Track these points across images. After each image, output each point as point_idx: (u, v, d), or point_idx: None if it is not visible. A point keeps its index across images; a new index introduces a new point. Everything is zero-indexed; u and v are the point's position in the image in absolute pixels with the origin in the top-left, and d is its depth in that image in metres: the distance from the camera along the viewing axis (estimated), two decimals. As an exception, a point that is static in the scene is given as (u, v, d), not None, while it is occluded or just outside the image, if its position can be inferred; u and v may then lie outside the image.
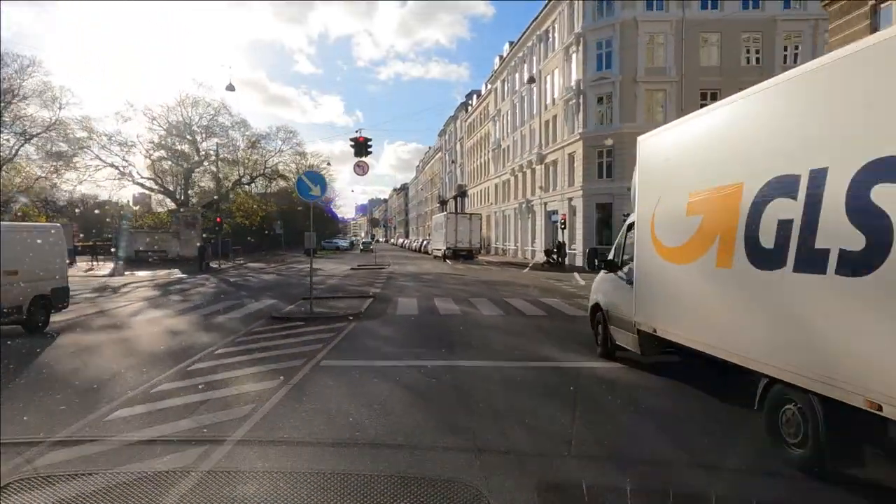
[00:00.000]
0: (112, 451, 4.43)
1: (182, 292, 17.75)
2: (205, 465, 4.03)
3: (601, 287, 8.04)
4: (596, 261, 7.94)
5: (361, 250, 58.79)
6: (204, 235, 37.21)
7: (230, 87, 24.34)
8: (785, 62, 29.09)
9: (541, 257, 33.67)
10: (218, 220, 32.75)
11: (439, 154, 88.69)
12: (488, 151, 54.60)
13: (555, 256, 30.95)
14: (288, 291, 17.55)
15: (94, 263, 33.64)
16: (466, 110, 68.29)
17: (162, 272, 28.89)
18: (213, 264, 33.36)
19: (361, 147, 21.52)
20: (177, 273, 28.19)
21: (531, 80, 27.42)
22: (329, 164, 67.21)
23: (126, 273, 28.69)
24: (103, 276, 26.81)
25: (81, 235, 37.31)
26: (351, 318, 11.46)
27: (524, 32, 40.79)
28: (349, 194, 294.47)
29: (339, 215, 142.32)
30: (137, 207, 44.56)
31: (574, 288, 18.69)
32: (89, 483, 3.00)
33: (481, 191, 59.16)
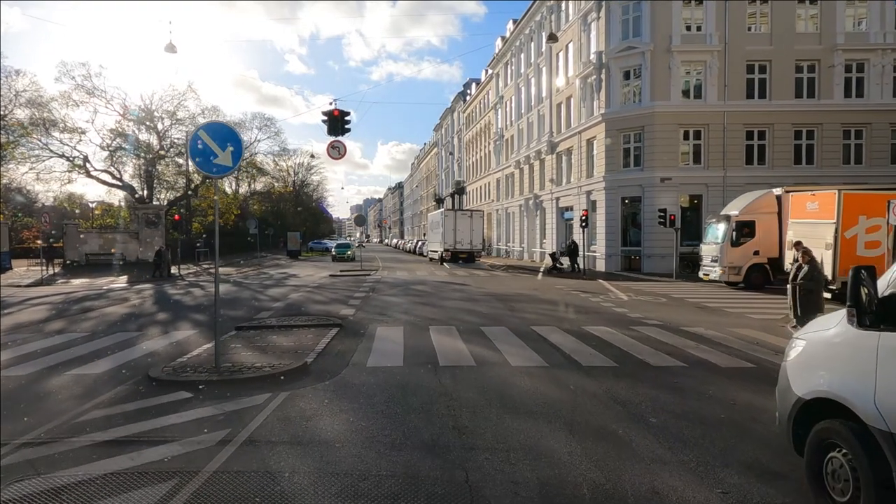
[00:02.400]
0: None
1: (80, 314, 12.80)
2: None
3: (857, 366, 3.19)
4: (865, 294, 3.06)
5: (335, 257, 38.60)
6: (176, 236, 32.25)
7: (170, 48, 19.43)
8: (853, 28, 24.41)
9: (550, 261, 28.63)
10: (176, 217, 27.84)
11: (435, 149, 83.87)
12: (489, 143, 49.82)
13: (564, 261, 26.08)
14: (228, 312, 12.68)
15: (43, 269, 28.54)
16: (464, 101, 63.44)
17: (104, 280, 23.98)
18: (173, 270, 28.50)
19: (336, 123, 16.73)
20: (121, 281, 23.25)
21: (551, 37, 22.62)
22: (313, 155, 62.39)
23: (60, 281, 23.81)
24: (25, 285, 21.88)
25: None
26: (283, 378, 6.61)
27: (531, 5, 36.01)
28: (341, 194, 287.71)
29: (334, 215, 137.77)
30: (95, 204, 39.39)
31: (617, 305, 13.87)
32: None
33: (481, 187, 54.36)
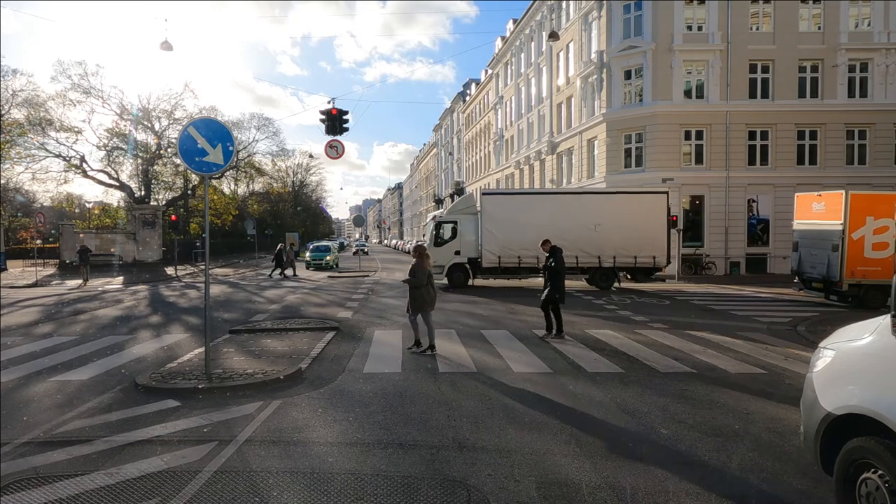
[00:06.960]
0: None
1: (71, 316, 12.51)
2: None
3: None
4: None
5: (310, 265, 30.55)
6: (174, 237, 31.87)
7: (166, 46, 19.11)
8: (856, 27, 24.18)
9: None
10: (173, 217, 27.55)
11: (435, 150, 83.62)
12: (489, 144, 49.58)
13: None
14: (223, 315, 12.42)
15: (39, 270, 28.16)
16: (464, 101, 63.19)
17: (100, 281, 23.70)
18: (170, 271, 28.24)
19: (335, 122, 16.48)
20: (115, 282, 22.96)
21: (552, 35, 22.33)
22: (312, 156, 62.08)
23: (54, 283, 23.50)
24: (20, 286, 21.59)
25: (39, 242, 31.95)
26: (276, 386, 6.34)
27: (531, 4, 35.77)
28: (340, 194, 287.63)
29: (333, 216, 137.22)
30: (92, 205, 39.03)
31: (621, 307, 13.60)
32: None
33: (481, 187, 54.08)
